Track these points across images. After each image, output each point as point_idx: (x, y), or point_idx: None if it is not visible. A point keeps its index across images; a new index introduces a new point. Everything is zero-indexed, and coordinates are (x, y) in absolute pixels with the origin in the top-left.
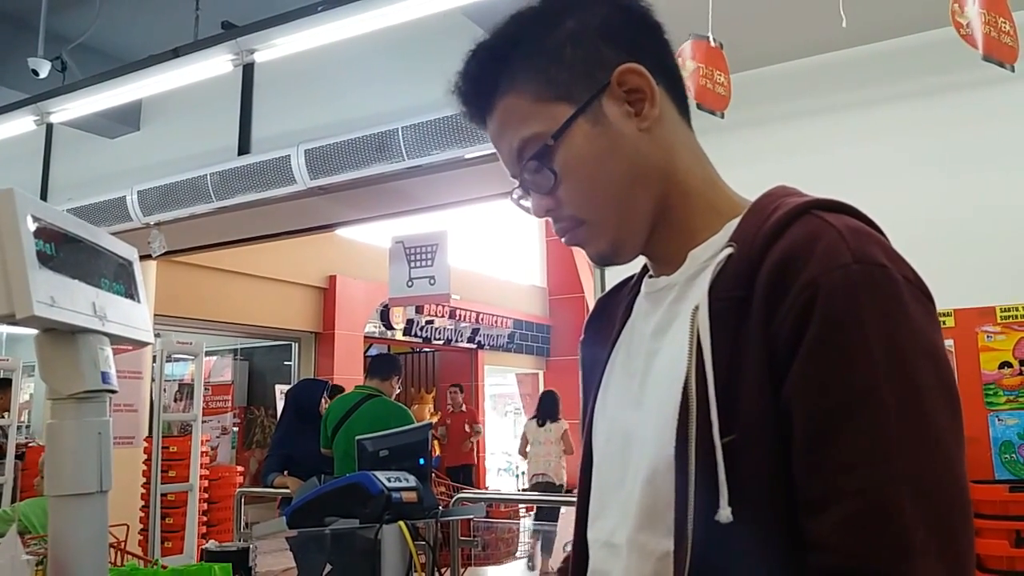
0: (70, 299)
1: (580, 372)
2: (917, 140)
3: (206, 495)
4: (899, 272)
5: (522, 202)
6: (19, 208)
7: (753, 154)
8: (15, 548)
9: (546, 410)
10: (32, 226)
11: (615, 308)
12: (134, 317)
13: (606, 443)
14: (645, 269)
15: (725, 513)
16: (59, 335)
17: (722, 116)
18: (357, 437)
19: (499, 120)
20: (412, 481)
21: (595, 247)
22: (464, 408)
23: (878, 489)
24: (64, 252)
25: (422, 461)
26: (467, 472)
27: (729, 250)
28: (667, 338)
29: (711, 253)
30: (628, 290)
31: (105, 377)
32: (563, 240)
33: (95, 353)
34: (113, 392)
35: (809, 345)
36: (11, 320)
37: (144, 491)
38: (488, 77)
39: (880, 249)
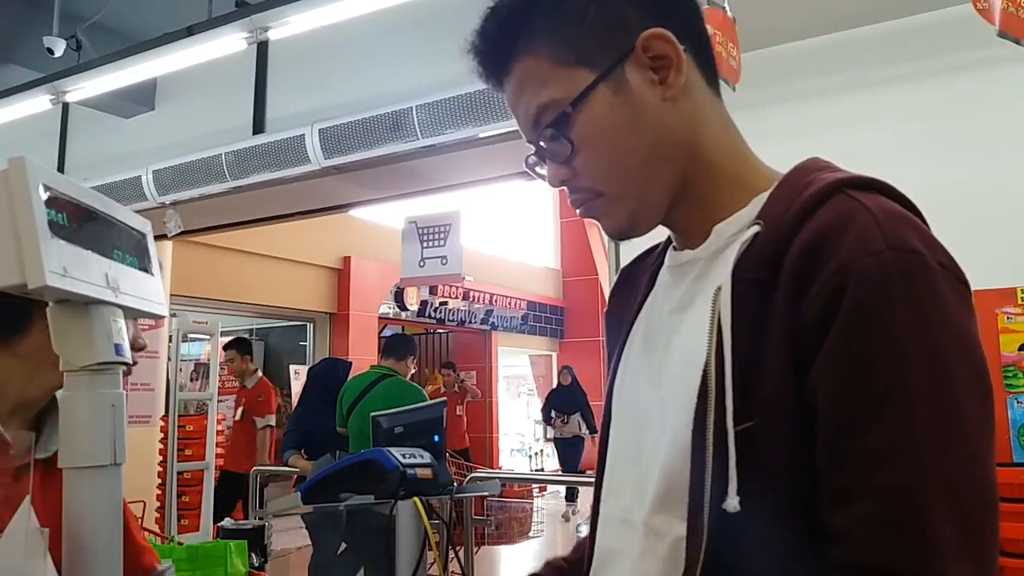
0: (83, 270)
1: (605, 343)
2: (934, 119)
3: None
4: (934, 259)
5: (537, 169)
6: (31, 177)
7: (768, 133)
8: (28, 520)
9: None
10: (44, 195)
11: (639, 278)
12: (148, 289)
13: (623, 419)
14: (670, 239)
15: (733, 503)
16: (72, 306)
17: (733, 88)
18: (372, 413)
19: (516, 83)
20: (427, 458)
21: (611, 221)
22: (456, 388)
23: (908, 486)
24: (76, 222)
25: (437, 438)
26: (462, 456)
27: (756, 228)
28: (688, 316)
29: (736, 228)
30: (653, 260)
31: (118, 349)
32: (578, 212)
33: (108, 325)
34: (127, 364)
35: (838, 333)
36: (23, 290)
37: (160, 469)
38: (506, 37)
39: (916, 234)
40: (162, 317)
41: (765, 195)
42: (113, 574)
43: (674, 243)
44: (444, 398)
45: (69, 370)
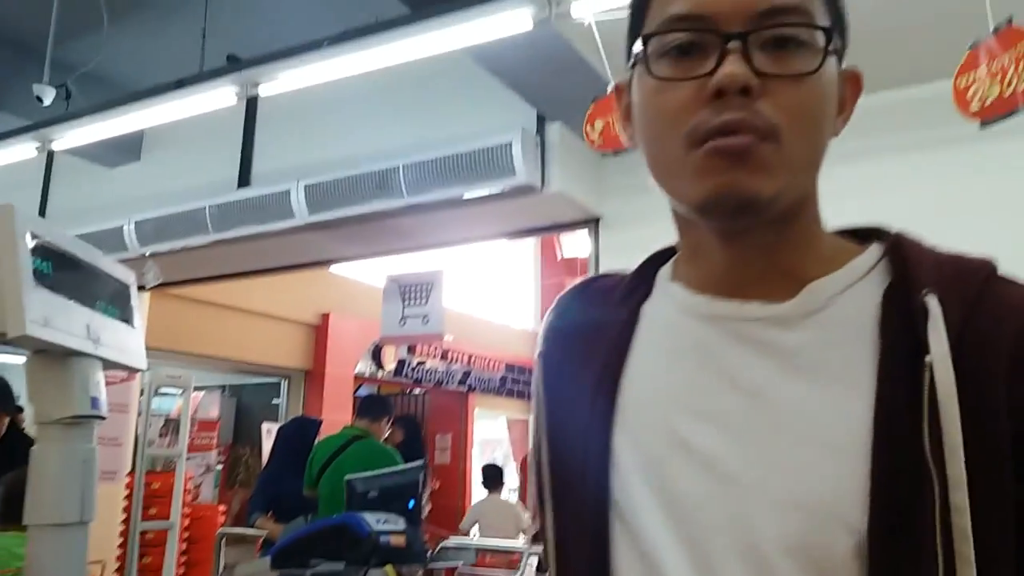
0: (64, 320)
1: (539, 395)
2: (907, 193)
3: (186, 534)
4: None
5: (697, 57)
6: (18, 225)
7: None
8: None
9: None
10: (30, 243)
11: (595, 319)
12: (128, 342)
13: (658, 490)
14: (640, 277)
15: None
16: (50, 357)
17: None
18: (347, 476)
19: None
20: (401, 524)
21: (757, 180)
22: None
23: None
24: (61, 272)
25: (412, 504)
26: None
27: (936, 299)
28: (788, 378)
29: (837, 290)
30: (616, 297)
31: (95, 402)
32: (719, 143)
33: (86, 377)
34: (102, 419)
35: None
36: (2, 340)
37: (123, 528)
38: None
39: None
40: (141, 370)
41: (863, 260)
42: None
43: (688, 284)
44: (421, 461)
45: (42, 422)
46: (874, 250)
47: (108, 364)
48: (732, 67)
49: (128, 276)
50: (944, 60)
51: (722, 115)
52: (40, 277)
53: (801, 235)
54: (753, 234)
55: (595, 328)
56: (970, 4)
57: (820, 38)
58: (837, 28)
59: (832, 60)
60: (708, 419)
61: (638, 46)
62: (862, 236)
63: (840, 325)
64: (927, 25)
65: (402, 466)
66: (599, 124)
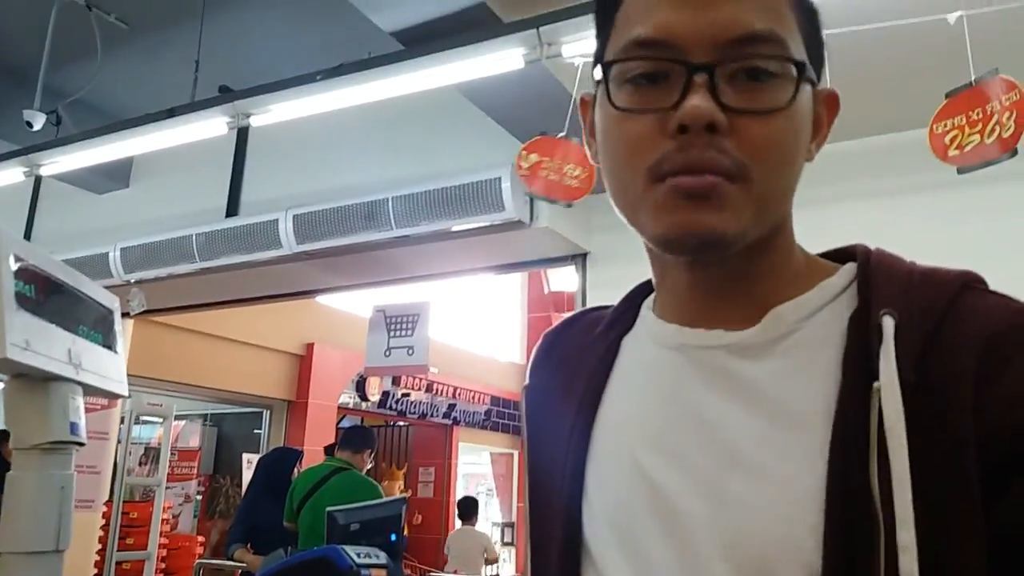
0: (45, 344)
1: (526, 430)
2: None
3: (163, 565)
4: None
5: (662, 88)
6: (2, 246)
7: None
8: None
9: None
10: (14, 266)
11: (578, 351)
12: (110, 367)
13: (616, 528)
14: (624, 308)
15: None
16: (30, 381)
17: (569, 205)
18: (328, 508)
19: None
20: (383, 558)
21: (722, 218)
22: None
23: None
24: (44, 295)
25: (394, 537)
26: None
27: (892, 321)
28: (747, 411)
29: (803, 314)
30: (600, 328)
31: (74, 428)
32: (682, 181)
33: (66, 402)
34: (81, 444)
35: None
36: None
37: (99, 558)
38: None
39: None
40: (123, 397)
41: (834, 282)
42: None
43: (662, 314)
44: (405, 495)
45: (19, 448)
46: (847, 270)
47: (89, 390)
48: (697, 102)
49: (112, 301)
50: (925, 108)
51: (686, 152)
52: (22, 300)
53: (771, 262)
54: (719, 264)
55: (577, 362)
56: (951, 55)
57: (793, 69)
58: (813, 52)
59: (806, 88)
60: (668, 454)
61: (599, 73)
62: (844, 257)
63: (805, 353)
64: (909, 73)
65: (384, 499)
66: (533, 158)
